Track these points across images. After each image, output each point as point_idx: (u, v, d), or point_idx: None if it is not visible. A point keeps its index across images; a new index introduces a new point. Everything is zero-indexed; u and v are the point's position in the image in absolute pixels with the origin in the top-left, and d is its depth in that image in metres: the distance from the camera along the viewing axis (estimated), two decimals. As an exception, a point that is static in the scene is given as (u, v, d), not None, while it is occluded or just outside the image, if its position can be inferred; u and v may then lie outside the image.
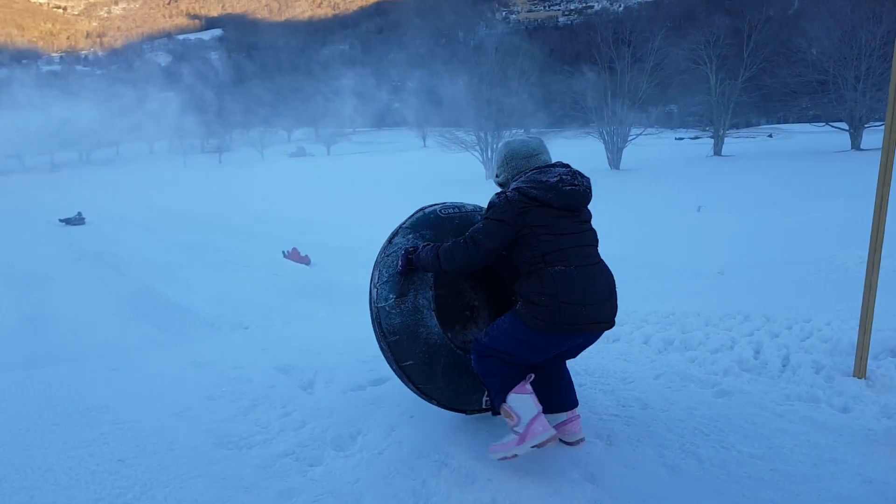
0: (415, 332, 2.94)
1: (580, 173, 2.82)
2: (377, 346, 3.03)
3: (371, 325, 3.00)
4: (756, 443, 2.96)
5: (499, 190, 2.88)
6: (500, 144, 3.08)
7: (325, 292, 13.41)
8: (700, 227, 17.74)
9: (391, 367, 3.00)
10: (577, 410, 3.00)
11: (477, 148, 41.01)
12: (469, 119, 41.36)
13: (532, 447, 2.58)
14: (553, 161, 2.90)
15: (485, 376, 2.77)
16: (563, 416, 2.93)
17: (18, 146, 70.81)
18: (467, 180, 37.87)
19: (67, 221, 29.00)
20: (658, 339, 4.52)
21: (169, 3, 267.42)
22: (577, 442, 2.91)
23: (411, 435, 3.07)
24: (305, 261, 17.60)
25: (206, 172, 60.79)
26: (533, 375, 2.75)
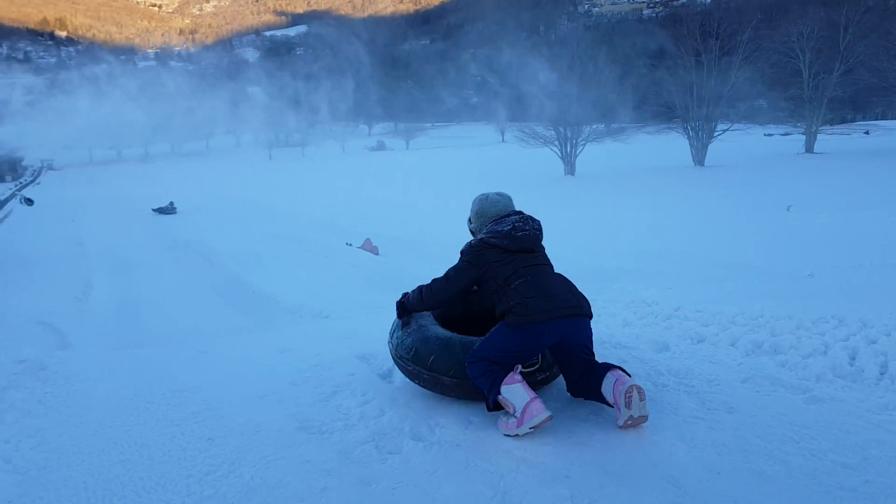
0: (426, 336, 3.42)
1: (531, 218, 3.43)
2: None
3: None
4: (849, 453, 2.82)
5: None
6: (475, 197, 3.66)
7: (401, 284, 13.56)
8: (789, 226, 16.99)
9: (424, 379, 3.40)
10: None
11: (556, 143, 40.55)
12: (549, 114, 40.92)
13: (530, 428, 2.90)
14: (515, 209, 3.54)
15: (476, 378, 3.13)
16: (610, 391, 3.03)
17: (116, 138, 74.77)
18: (545, 176, 37.54)
19: (160, 211, 30.44)
20: (746, 341, 4.36)
21: (257, 1, 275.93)
22: (641, 416, 2.97)
23: (489, 430, 3.07)
24: (375, 251, 17.93)
25: (289, 165, 62.51)
26: (520, 367, 3.09)
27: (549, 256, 3.48)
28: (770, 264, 11.78)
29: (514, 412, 2.92)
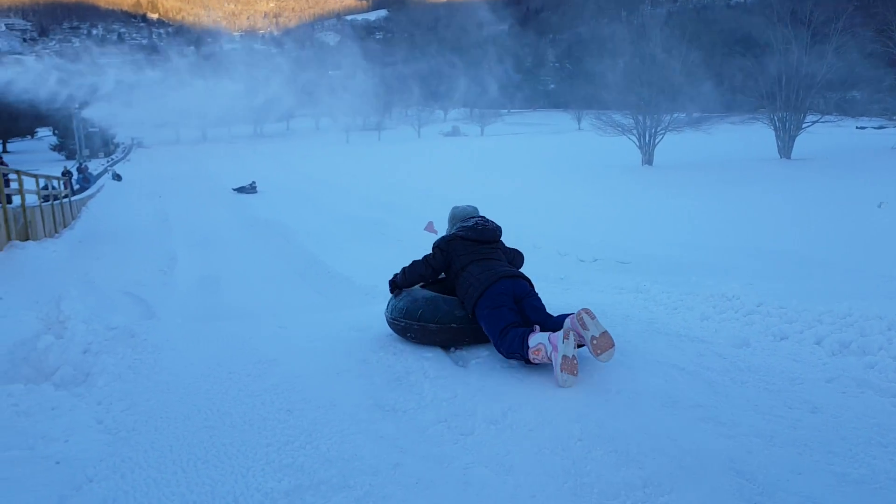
0: (414, 298, 4.21)
1: (489, 220, 4.48)
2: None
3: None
4: (945, 462, 2.67)
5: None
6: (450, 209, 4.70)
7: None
8: (880, 224, 16.10)
9: (414, 330, 4.12)
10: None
11: (634, 132, 39.57)
12: (628, 102, 39.93)
13: (568, 346, 3.36)
14: (479, 215, 4.56)
15: (508, 350, 3.67)
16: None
17: (202, 119, 77.45)
18: (621, 165, 36.76)
19: (241, 190, 31.40)
20: (832, 340, 4.17)
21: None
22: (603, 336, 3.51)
23: (561, 416, 3.06)
24: (435, 232, 18.03)
25: (365, 149, 63.34)
26: (538, 327, 3.65)
27: (510, 247, 4.74)
28: (858, 263, 11.21)
29: (549, 352, 3.44)
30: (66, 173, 31.18)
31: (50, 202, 17.99)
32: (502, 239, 4.56)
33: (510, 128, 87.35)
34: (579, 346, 3.50)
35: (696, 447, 2.76)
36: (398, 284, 4.43)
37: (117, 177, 42.77)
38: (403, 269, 4.40)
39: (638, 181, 31.52)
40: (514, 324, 3.72)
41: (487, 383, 3.53)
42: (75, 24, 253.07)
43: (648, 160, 38.61)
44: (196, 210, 24.78)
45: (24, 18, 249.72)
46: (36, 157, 64.11)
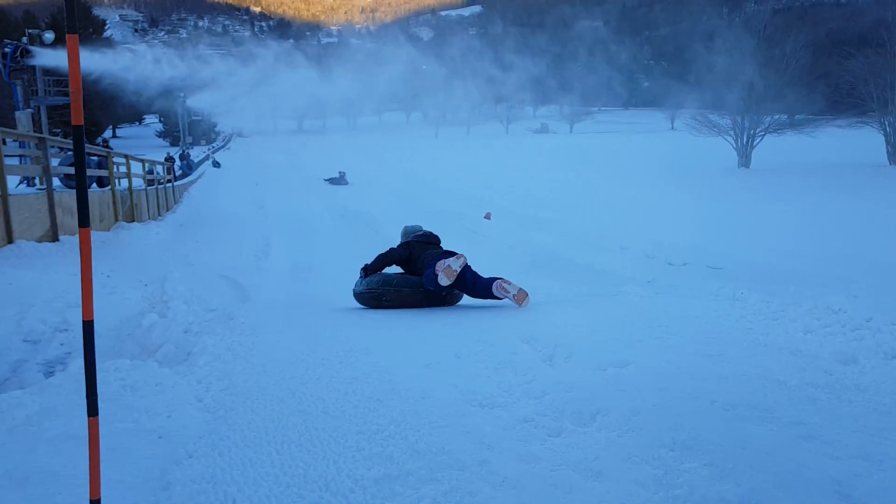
0: (388, 274, 5.97)
1: (430, 232, 6.44)
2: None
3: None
4: None
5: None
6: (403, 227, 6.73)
7: (558, 269, 13.44)
8: None
9: (390, 294, 5.71)
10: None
11: (731, 133, 38.07)
12: (726, 102, 38.44)
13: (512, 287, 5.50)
14: (423, 229, 6.52)
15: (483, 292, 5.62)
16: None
17: (299, 111, 79.92)
18: (716, 167, 35.47)
19: (332, 180, 32.18)
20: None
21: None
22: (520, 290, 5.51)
23: (654, 423, 2.97)
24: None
25: (453, 143, 63.69)
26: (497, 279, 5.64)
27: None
28: (981, 280, 10.39)
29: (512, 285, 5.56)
30: (169, 159, 32.79)
31: (154, 186, 18.98)
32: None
33: (600, 126, 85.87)
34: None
35: (798, 466, 2.62)
36: (369, 268, 5.98)
37: (216, 164, 44.64)
38: (375, 258, 6.04)
39: (733, 184, 30.34)
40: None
41: (577, 383, 3.47)
42: (183, 15, 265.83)
43: (745, 162, 37.08)
44: (290, 198, 25.59)
45: (136, 10, 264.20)
46: (142, 143, 67.83)
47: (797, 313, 4.66)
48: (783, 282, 11.06)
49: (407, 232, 6.41)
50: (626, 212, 21.42)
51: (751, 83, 36.68)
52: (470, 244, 15.90)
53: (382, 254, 5.98)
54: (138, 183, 16.81)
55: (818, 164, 34.33)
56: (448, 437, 2.86)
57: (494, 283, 5.42)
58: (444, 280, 5.28)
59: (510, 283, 5.40)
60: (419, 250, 5.91)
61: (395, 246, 6.11)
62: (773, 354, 3.93)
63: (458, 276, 5.46)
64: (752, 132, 37.15)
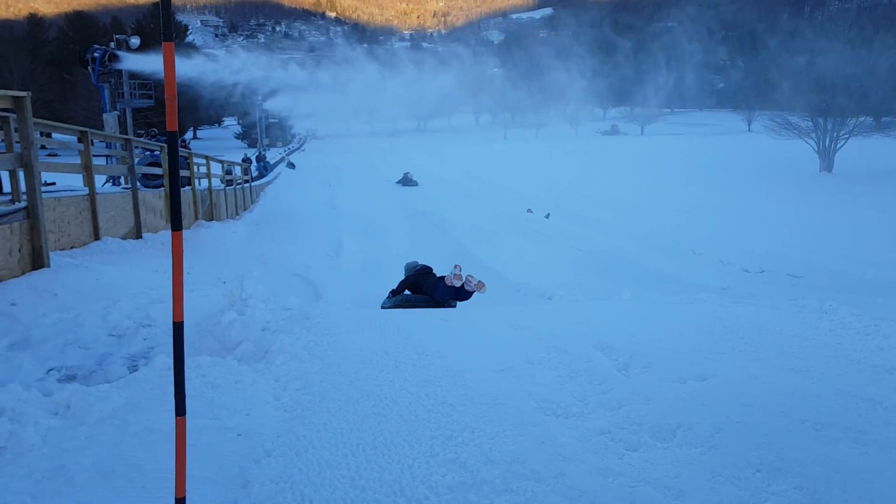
0: (406, 296, 7.80)
1: (425, 265, 8.27)
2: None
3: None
4: None
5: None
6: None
7: (628, 273, 13.18)
8: None
9: (411, 302, 7.55)
10: None
11: (812, 136, 36.45)
12: (807, 103, 36.80)
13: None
14: (419, 264, 8.33)
15: (444, 297, 7.50)
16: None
17: (370, 114, 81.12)
18: (796, 171, 34.09)
19: (402, 182, 32.49)
20: None
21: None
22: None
23: (739, 441, 2.85)
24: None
25: (522, 145, 63.36)
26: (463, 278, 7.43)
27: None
28: None
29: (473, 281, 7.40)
30: (246, 160, 33.75)
31: (232, 186, 19.57)
32: None
33: (672, 128, 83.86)
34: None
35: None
36: (395, 291, 7.94)
37: (291, 165, 45.69)
38: (396, 287, 8.03)
39: (814, 188, 29.10)
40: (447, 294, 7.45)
41: (655, 395, 3.36)
42: (261, 21, 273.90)
43: (827, 166, 35.46)
44: (361, 199, 25.97)
45: (216, 15, 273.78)
46: (221, 144, 70.19)
47: (892, 329, 4.39)
48: (869, 293, 10.53)
49: (410, 267, 8.34)
50: (700, 216, 20.84)
51: (834, 84, 35.05)
52: (536, 246, 15.81)
53: (401, 282, 8.03)
54: (217, 183, 17.36)
55: (907, 168, 32.57)
56: (523, 446, 2.82)
57: (447, 278, 7.41)
58: (457, 282, 7.25)
59: (467, 278, 7.32)
60: (422, 279, 7.85)
61: (407, 275, 8.22)
62: (867, 372, 3.72)
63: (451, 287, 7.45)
64: (835, 134, 35.51)
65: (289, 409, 3.25)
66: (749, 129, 70.46)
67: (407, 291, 8.12)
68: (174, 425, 1.98)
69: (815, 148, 36.25)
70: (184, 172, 15.19)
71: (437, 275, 8.01)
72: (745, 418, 3.06)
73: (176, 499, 1.95)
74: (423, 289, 7.80)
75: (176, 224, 1.78)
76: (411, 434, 2.91)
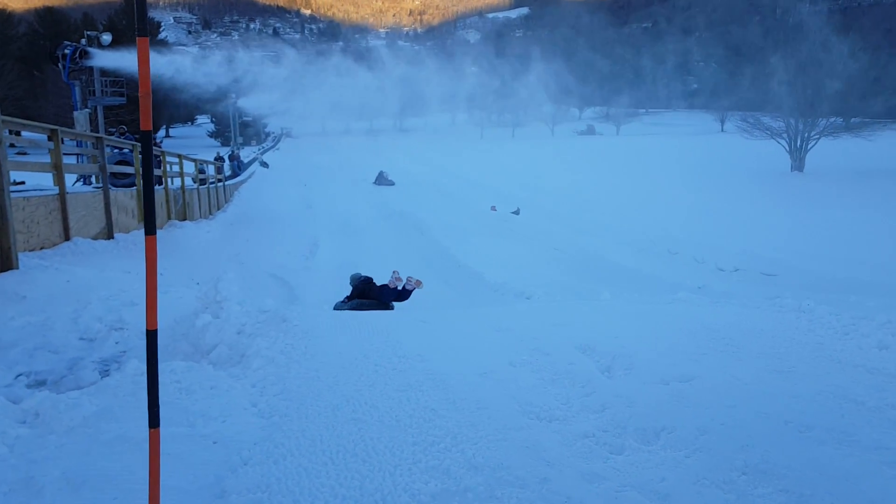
0: (359, 301, 7.70)
1: (367, 276, 8.15)
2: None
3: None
4: None
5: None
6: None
7: (606, 273, 13.24)
8: None
9: (361, 308, 7.22)
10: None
11: (784, 136, 36.98)
12: (779, 104, 37.32)
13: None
14: (362, 275, 8.24)
15: (390, 298, 7.85)
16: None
17: (346, 112, 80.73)
18: (767, 171, 34.55)
19: (379, 181, 32.38)
20: None
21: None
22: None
23: (724, 443, 2.82)
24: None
25: (498, 145, 63.46)
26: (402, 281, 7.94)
27: None
28: None
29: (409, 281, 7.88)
30: (219, 159, 33.34)
31: (206, 185, 19.30)
32: None
33: (647, 128, 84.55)
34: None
35: (883, 495, 2.46)
36: (349, 298, 8.09)
37: (264, 164, 45.28)
38: (349, 295, 8.15)
39: (786, 188, 29.52)
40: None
41: (639, 398, 3.33)
42: (235, 18, 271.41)
43: (799, 166, 36.01)
44: (337, 199, 25.80)
45: (190, 12, 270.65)
46: (194, 143, 69.27)
47: (870, 328, 4.42)
48: (842, 291, 10.69)
49: (354, 278, 8.71)
50: (675, 216, 21.02)
51: (805, 85, 35.60)
52: (514, 246, 15.81)
53: (352, 291, 8.40)
54: (190, 182, 17.11)
55: (876, 169, 33.16)
56: (506, 451, 2.77)
57: (391, 281, 8.04)
58: (399, 284, 7.91)
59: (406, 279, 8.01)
60: (366, 287, 8.26)
61: (357, 284, 8.46)
62: (849, 372, 3.72)
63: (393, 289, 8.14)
64: (806, 135, 36.07)
65: (266, 415, 3.17)
66: (722, 130, 71.38)
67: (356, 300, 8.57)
68: (147, 434, 1.90)
69: (787, 148, 36.78)
70: (156, 171, 14.95)
71: (378, 283, 8.56)
72: (729, 420, 3.04)
73: (149, 514, 1.86)
74: (370, 295, 8.17)
75: (150, 228, 1.69)
76: (393, 440, 2.85)
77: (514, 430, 2.97)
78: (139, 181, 12.14)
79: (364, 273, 8.67)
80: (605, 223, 19.18)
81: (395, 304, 8.19)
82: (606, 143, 64.28)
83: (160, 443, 2.64)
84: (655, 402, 3.29)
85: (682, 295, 6.86)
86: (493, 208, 22.10)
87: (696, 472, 2.64)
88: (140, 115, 1.65)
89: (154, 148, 16.31)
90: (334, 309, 7.66)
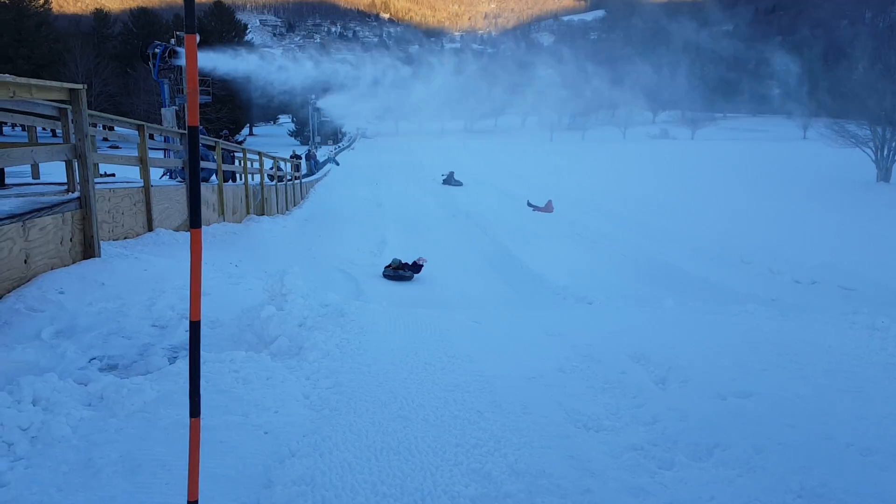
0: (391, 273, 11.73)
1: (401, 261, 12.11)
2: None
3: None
4: None
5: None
6: None
7: (673, 280, 12.90)
8: None
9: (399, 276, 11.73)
10: None
11: (871, 144, 35.16)
12: (866, 111, 35.46)
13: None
14: (399, 260, 12.24)
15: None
16: None
17: (418, 113, 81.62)
18: (851, 180, 32.94)
19: (447, 182, 32.53)
20: None
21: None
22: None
23: (780, 464, 2.71)
24: (551, 209, 22.58)
25: (567, 148, 62.84)
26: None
27: None
28: None
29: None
30: (295, 157, 34.22)
31: (284, 182, 19.86)
32: None
33: (724, 133, 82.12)
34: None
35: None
36: (394, 268, 11.58)
37: (335, 163, 46.27)
38: (388, 265, 11.75)
39: (871, 199, 28.07)
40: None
41: (693, 412, 3.24)
42: (318, 21, 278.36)
43: (885, 176, 34.19)
44: (406, 198, 26.08)
45: (275, 15, 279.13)
46: (276, 141, 71.41)
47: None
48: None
49: (395, 261, 11.63)
50: (750, 224, 20.28)
51: (894, 91, 33.75)
52: (578, 249, 15.62)
53: (391, 264, 11.71)
54: (268, 179, 17.64)
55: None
56: (550, 459, 2.74)
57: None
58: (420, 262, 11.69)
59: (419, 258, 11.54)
60: (399, 264, 11.30)
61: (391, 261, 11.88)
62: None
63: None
64: (893, 144, 34.22)
65: (317, 408, 3.24)
66: (805, 137, 68.54)
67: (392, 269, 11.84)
68: (201, 423, 1.95)
69: (873, 157, 34.99)
70: (236, 168, 15.47)
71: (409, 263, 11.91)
72: (786, 440, 2.92)
73: (188, 502, 1.92)
74: (400, 267, 11.71)
75: (195, 221, 1.75)
76: (436, 440, 2.86)
77: (560, 437, 2.94)
78: (219, 175, 12.59)
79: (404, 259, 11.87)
80: (675, 229, 18.68)
81: (414, 275, 11.83)
82: (680, 147, 62.76)
83: (214, 431, 2.75)
84: (710, 416, 3.19)
85: (750, 307, 6.62)
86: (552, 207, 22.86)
87: (749, 492, 2.55)
88: (187, 112, 1.70)
89: (236, 146, 16.91)
90: (383, 274, 11.69)
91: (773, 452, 2.81)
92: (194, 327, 1.81)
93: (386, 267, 11.84)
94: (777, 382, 3.64)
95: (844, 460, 2.77)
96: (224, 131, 19.52)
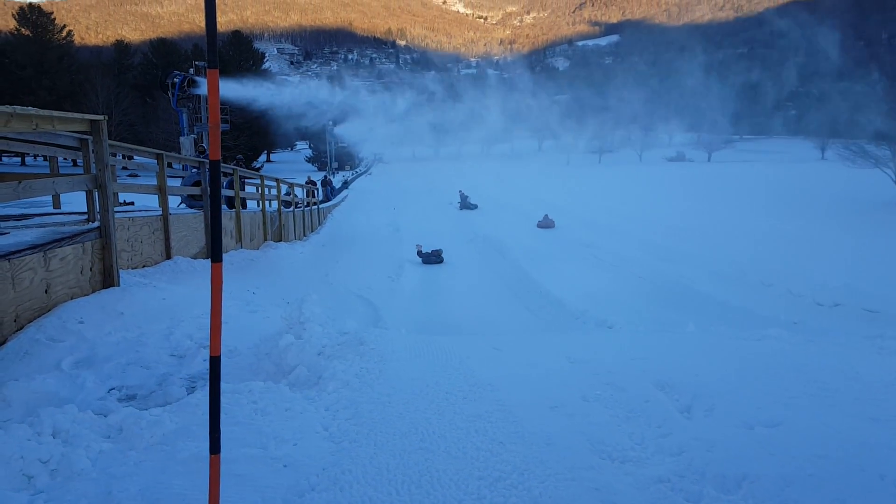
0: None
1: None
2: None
3: None
4: None
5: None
6: None
7: (693, 304, 12.76)
8: None
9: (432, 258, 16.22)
10: None
11: (891, 164, 34.80)
12: (884, 130, 35.11)
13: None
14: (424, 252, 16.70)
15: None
16: None
17: (435, 138, 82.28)
18: (870, 202, 32.52)
19: (463, 206, 32.62)
20: None
21: (574, 12, 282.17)
22: None
23: (810, 497, 2.63)
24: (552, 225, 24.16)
25: (584, 171, 62.78)
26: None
27: None
28: None
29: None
30: (310, 182, 34.49)
31: (301, 209, 19.98)
32: None
33: (741, 155, 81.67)
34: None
35: None
36: (423, 253, 16.07)
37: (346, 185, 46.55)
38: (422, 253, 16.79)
39: (892, 219, 27.67)
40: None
41: (720, 442, 3.16)
42: (334, 49, 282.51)
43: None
44: (424, 222, 26.15)
45: (292, 44, 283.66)
46: (293, 167, 72.10)
47: None
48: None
49: (423, 253, 12.19)
50: (770, 246, 20.05)
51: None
52: (597, 272, 15.52)
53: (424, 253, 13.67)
54: (285, 205, 17.77)
55: None
56: (574, 492, 2.68)
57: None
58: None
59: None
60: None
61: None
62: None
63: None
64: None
65: (337, 439, 3.20)
66: (823, 157, 68.06)
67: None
68: (220, 457, 1.93)
69: (893, 177, 34.60)
70: (252, 193, 15.60)
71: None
72: (817, 471, 2.84)
73: (208, 539, 1.89)
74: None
75: (216, 255, 1.74)
76: (458, 473, 2.81)
77: (584, 469, 2.88)
78: (237, 203, 12.68)
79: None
80: (693, 252, 18.51)
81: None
82: (697, 169, 62.46)
83: (232, 464, 2.72)
84: (738, 447, 3.11)
85: (773, 331, 6.50)
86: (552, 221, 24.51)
87: (779, 526, 2.48)
88: (209, 146, 1.70)
89: (253, 172, 17.09)
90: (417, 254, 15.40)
91: (803, 484, 2.73)
92: (214, 362, 1.79)
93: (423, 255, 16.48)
94: (805, 411, 3.55)
95: (878, 492, 2.69)
96: (239, 156, 19.66)
